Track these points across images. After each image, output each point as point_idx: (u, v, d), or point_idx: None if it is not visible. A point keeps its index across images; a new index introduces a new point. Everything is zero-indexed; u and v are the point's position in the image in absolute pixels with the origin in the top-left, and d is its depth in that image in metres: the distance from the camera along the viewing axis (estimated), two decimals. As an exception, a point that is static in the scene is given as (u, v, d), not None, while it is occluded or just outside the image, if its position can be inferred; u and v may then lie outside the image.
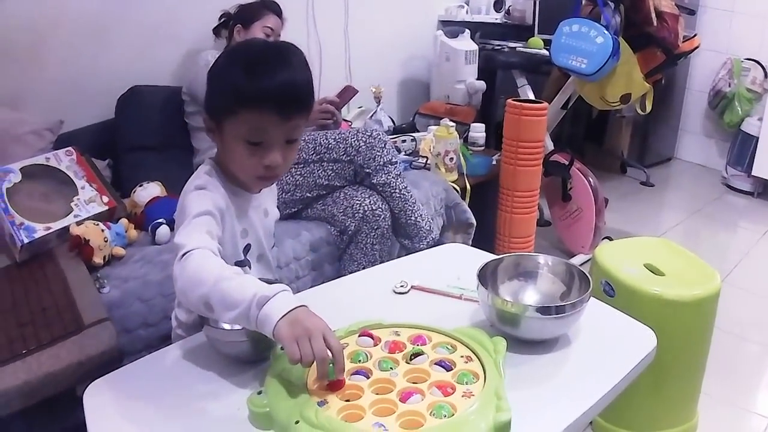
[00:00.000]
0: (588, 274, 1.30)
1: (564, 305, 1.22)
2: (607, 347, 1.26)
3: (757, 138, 4.77)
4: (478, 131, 3.27)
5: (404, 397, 1.01)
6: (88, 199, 2.19)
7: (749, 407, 2.43)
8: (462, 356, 1.12)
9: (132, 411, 1.05)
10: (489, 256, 1.40)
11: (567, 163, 3.23)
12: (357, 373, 1.07)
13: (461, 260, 1.63)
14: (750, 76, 5.10)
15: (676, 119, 5.58)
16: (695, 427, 2.25)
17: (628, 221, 4.04)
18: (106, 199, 2.22)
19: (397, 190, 2.29)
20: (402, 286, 1.45)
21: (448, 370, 1.09)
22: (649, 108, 3.24)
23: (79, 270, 1.96)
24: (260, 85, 1.19)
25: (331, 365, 1.01)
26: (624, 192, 4.73)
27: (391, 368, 1.09)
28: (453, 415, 0.98)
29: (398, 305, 1.40)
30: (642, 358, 1.23)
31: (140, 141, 2.66)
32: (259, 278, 1.12)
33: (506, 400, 1.00)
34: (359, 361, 1.11)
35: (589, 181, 3.24)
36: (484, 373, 1.08)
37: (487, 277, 1.31)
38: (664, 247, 2.34)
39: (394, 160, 2.31)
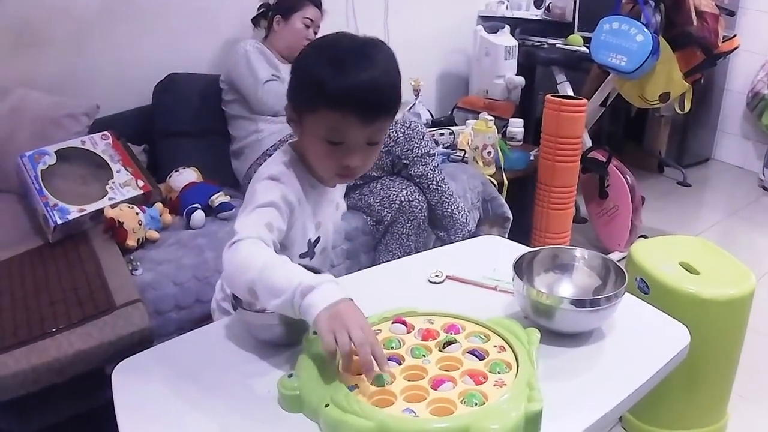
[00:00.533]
0: (624, 269, 1.27)
1: (599, 299, 1.19)
2: (640, 343, 1.22)
3: (795, 141, 4.65)
4: (516, 126, 3.22)
5: (436, 384, 0.99)
6: (124, 183, 2.19)
7: (782, 409, 2.36)
8: (495, 346, 1.10)
9: (159, 391, 1.04)
10: (525, 249, 1.37)
11: (605, 160, 3.17)
12: (389, 359, 1.05)
13: (497, 252, 1.61)
14: (789, 78, 4.96)
15: (715, 120, 5.46)
16: (725, 428, 2.19)
17: (665, 221, 3.96)
18: (141, 183, 2.22)
19: (434, 182, 2.27)
20: (437, 275, 1.42)
21: (480, 359, 1.06)
22: (687, 107, 3.16)
23: (112, 251, 1.97)
24: (343, 85, 1.13)
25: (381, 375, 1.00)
26: (661, 191, 4.63)
27: (423, 356, 1.07)
28: (484, 403, 0.96)
29: (433, 294, 1.37)
30: (675, 354, 1.19)
31: (177, 127, 2.66)
32: (305, 266, 1.09)
33: (539, 390, 0.97)
34: (392, 347, 1.09)
35: (626, 179, 3.18)
36: (517, 363, 1.05)
37: (523, 268, 1.28)
38: (701, 247, 2.28)
39: (432, 151, 2.28)
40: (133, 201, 2.11)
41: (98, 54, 2.58)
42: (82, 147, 2.18)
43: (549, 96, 2.79)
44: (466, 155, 2.76)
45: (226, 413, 1.01)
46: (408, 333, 1.13)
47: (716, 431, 2.16)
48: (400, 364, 1.05)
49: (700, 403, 2.10)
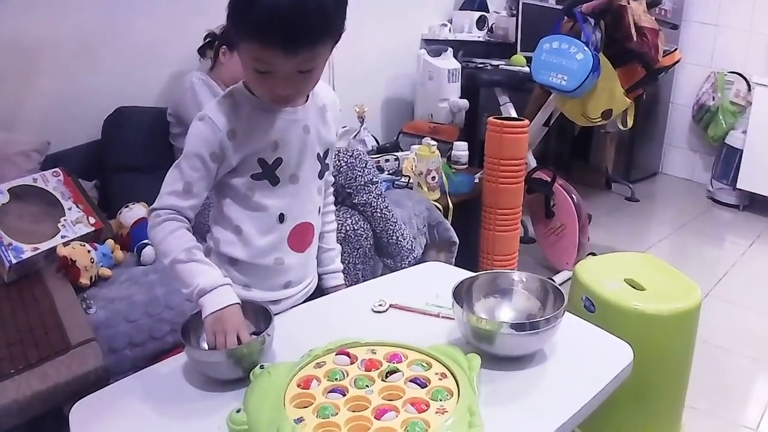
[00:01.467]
0: (561, 290, 1.34)
1: (538, 321, 1.24)
2: (583, 362, 1.28)
3: (742, 151, 4.84)
4: (461, 149, 3.32)
5: (379, 414, 1.05)
6: (75, 220, 2.23)
7: (736, 420, 2.46)
8: (437, 373, 1.16)
9: (116, 430, 1.08)
10: (466, 274, 1.43)
11: (549, 180, 3.28)
12: (333, 391, 1.10)
13: (440, 278, 1.66)
14: (733, 90, 5.18)
15: (661, 134, 5.65)
16: (679, 441, 2.28)
17: (613, 237, 4.09)
18: (92, 220, 2.26)
19: (379, 210, 2.34)
20: (380, 305, 1.48)
21: (422, 387, 1.12)
22: (630, 123, 3.29)
23: (66, 291, 2.00)
24: (260, 12, 1.11)
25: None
26: (609, 208, 4.78)
27: (366, 386, 1.12)
28: (427, 431, 1.01)
29: (376, 324, 1.43)
30: (618, 373, 1.25)
31: (126, 162, 2.69)
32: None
33: (479, 415, 1.03)
34: (336, 379, 1.14)
35: (572, 198, 3.29)
36: (458, 389, 1.11)
37: (462, 294, 1.34)
38: (646, 263, 2.38)
39: (375, 179, 2.35)
40: (84, 238, 2.15)
41: (47, 88, 2.61)
42: (34, 185, 2.22)
43: (491, 118, 2.89)
44: (411, 181, 2.84)
45: None
46: (351, 364, 1.18)
47: (670, 445, 2.24)
48: (344, 395, 1.10)
49: (653, 417, 2.17)
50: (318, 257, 1.60)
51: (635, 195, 5.01)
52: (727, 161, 5.06)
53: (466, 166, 3.32)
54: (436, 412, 1.05)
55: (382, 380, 1.14)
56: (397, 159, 3.03)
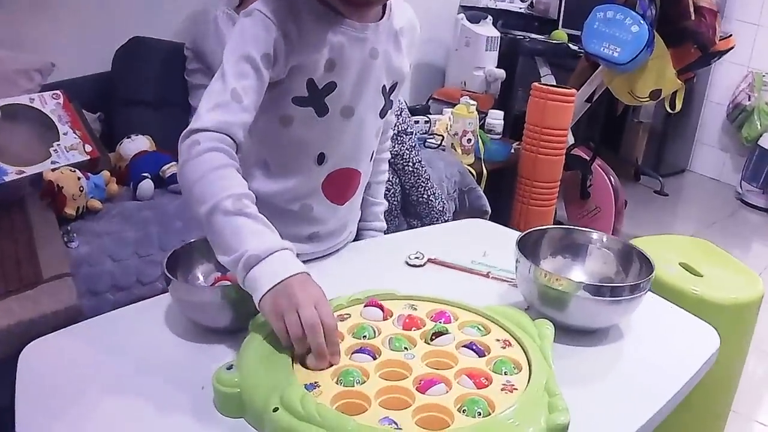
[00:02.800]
0: (648, 256, 1.03)
1: (623, 286, 0.95)
2: (665, 345, 1.00)
3: (775, 154, 4.52)
4: (496, 118, 2.99)
5: (423, 387, 0.73)
6: (70, 147, 1.99)
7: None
8: (498, 340, 0.84)
9: (69, 380, 0.81)
10: (517, 234, 1.12)
11: (588, 158, 2.95)
12: (360, 351, 0.79)
13: (487, 236, 1.35)
14: (771, 90, 4.85)
15: (693, 131, 5.32)
16: (721, 447, 1.97)
17: (641, 229, 3.76)
18: (89, 148, 2.02)
19: (411, 163, 2.01)
20: (417, 257, 1.16)
21: (480, 356, 0.80)
22: (679, 107, 2.97)
23: (47, 220, 1.74)
24: None
25: None
26: (637, 200, 4.44)
27: (405, 348, 0.81)
28: (490, 414, 0.70)
29: (412, 279, 1.12)
30: (706, 359, 0.99)
31: (136, 95, 2.41)
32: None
33: (562, 397, 0.72)
34: (364, 336, 0.83)
35: (610, 180, 2.97)
36: (529, 362, 0.79)
37: (526, 249, 1.02)
38: (701, 248, 2.08)
39: (409, 130, 2.03)
40: (78, 167, 1.92)
41: (60, 11, 2.36)
42: (30, 105, 1.98)
43: (535, 83, 2.57)
44: (444, 142, 2.51)
45: (147, 414, 0.75)
46: (385, 320, 0.87)
47: (711, 451, 1.94)
48: (374, 358, 0.79)
49: (697, 419, 1.86)
50: (361, 211, 1.29)
51: (664, 189, 4.67)
52: (759, 163, 4.74)
53: (500, 137, 2.99)
54: (502, 389, 0.74)
55: (427, 343, 0.82)
56: (428, 122, 2.70)
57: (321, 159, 1.08)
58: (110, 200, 1.96)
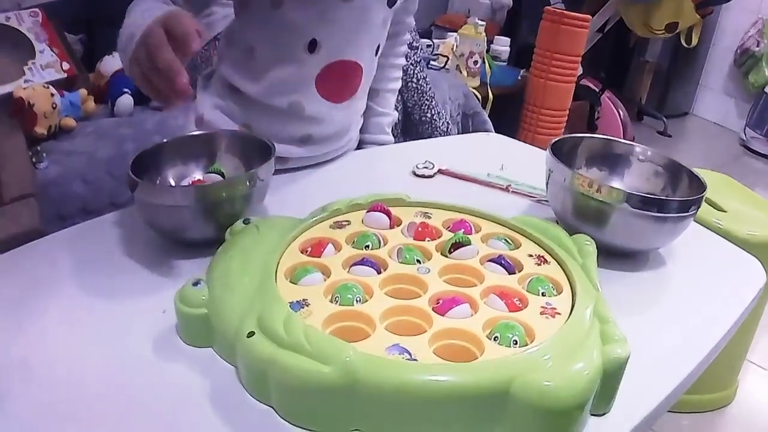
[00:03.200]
0: (699, 176, 0.85)
1: (672, 201, 0.78)
2: (709, 276, 0.84)
3: (781, 102, 4.33)
4: (502, 45, 2.77)
5: (442, 307, 0.56)
6: (46, 65, 1.86)
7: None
8: (531, 255, 0.67)
9: (21, 302, 0.65)
10: (539, 150, 0.95)
11: (598, 90, 2.75)
12: (362, 262, 0.61)
13: (502, 150, 1.18)
14: (781, 39, 4.64)
15: (698, 74, 5.11)
16: (733, 396, 1.84)
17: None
18: (66, 66, 1.89)
19: (415, 79, 1.80)
20: (426, 167, 0.98)
21: (511, 273, 0.63)
22: (695, 41, 2.78)
23: (15, 139, 1.56)
24: None
25: None
26: (640, 140, 4.22)
27: (418, 261, 0.63)
28: (527, 343, 0.53)
29: (420, 190, 0.93)
30: (755, 294, 0.82)
31: (119, 15, 2.16)
32: None
33: (617, 325, 0.55)
34: (366, 247, 0.65)
35: (619, 113, 2.78)
36: (570, 283, 0.62)
37: (559, 157, 0.85)
38: (724, 183, 1.92)
39: (415, 44, 1.82)
40: (53, 85, 1.81)
41: None
42: (5, 23, 1.85)
43: (548, 7, 2.35)
44: (449, 64, 2.31)
45: (99, 344, 0.59)
46: (392, 228, 0.69)
47: (724, 399, 1.81)
48: (379, 272, 0.61)
49: (711, 366, 1.72)
50: (364, 121, 1.10)
51: (668, 130, 4.48)
52: (764, 110, 4.56)
53: (505, 64, 2.78)
54: (542, 314, 0.56)
55: (444, 256, 0.64)
56: (430, 45, 2.48)
57: (313, 46, 0.88)
58: (86, 119, 1.80)
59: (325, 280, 0.59)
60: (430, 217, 0.72)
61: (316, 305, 0.55)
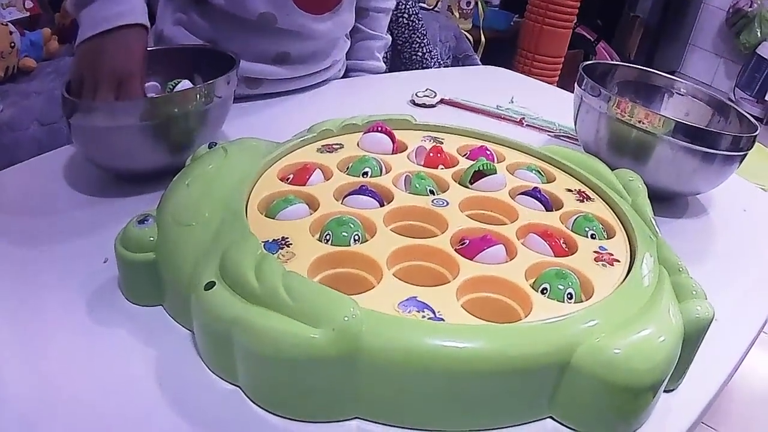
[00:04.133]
0: (747, 115, 0.72)
1: (726, 135, 0.64)
2: (754, 231, 0.70)
3: (773, 64, 4.22)
4: (495, -12, 2.59)
5: (471, 248, 0.41)
6: (8, 3, 1.70)
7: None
8: (570, 190, 0.52)
9: None
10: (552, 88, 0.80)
11: (593, 39, 2.60)
12: (359, 191, 0.46)
13: (509, 83, 1.03)
14: (774, -1, 4.52)
15: (687, 33, 4.97)
16: None
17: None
18: (29, 4, 1.73)
19: (406, 15, 1.63)
20: (426, 95, 0.83)
21: (548, 209, 0.49)
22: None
23: None
24: None
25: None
26: (629, 97, 4.14)
27: (431, 192, 0.48)
28: (583, 299, 0.39)
29: (423, 119, 0.79)
30: None
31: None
32: None
33: (689, 276, 0.41)
34: (365, 174, 0.50)
35: (615, 64, 2.62)
36: (623, 224, 0.48)
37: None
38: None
39: (406, -25, 1.65)
40: (15, 24, 1.63)
41: None
42: None
43: (545, -54, 2.18)
44: (439, 3, 2.13)
45: (20, 303, 0.44)
46: (396, 153, 0.54)
47: None
48: (381, 204, 0.46)
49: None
50: (352, 45, 0.94)
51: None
52: (754, 72, 4.46)
53: (497, 9, 2.61)
54: (596, 260, 0.42)
55: (465, 186, 0.50)
56: (419, -14, 2.30)
57: None
58: (49, 59, 1.63)
59: (311, 213, 0.44)
60: (442, 142, 0.57)
61: (301, 245, 0.40)
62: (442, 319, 0.34)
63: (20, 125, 1.36)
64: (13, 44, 1.50)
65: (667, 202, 0.68)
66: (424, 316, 0.34)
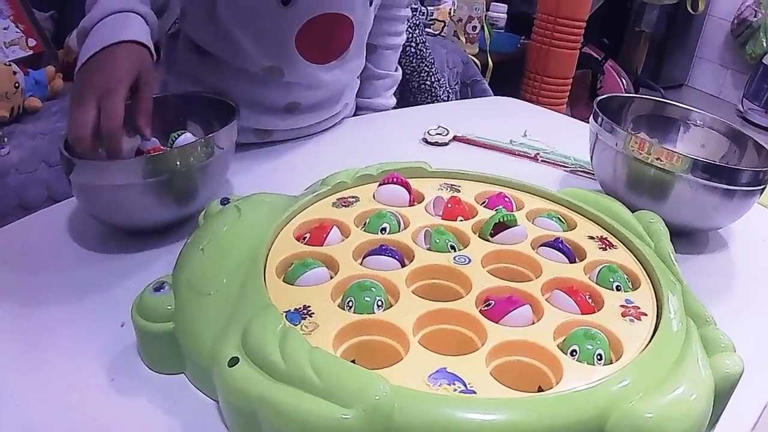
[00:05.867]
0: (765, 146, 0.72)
1: (745, 171, 0.63)
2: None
3: (780, 73, 4.22)
4: (499, 11, 2.60)
5: (496, 310, 0.41)
6: (10, 42, 1.72)
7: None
8: (592, 238, 0.52)
9: None
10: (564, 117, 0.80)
11: (600, 58, 2.60)
12: (380, 251, 0.46)
13: (522, 115, 1.03)
14: (778, 9, 4.53)
15: (693, 45, 4.99)
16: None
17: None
18: (32, 42, 1.74)
19: (413, 44, 1.64)
20: (439, 133, 0.83)
21: (572, 261, 0.48)
22: (702, 8, 2.62)
23: None
24: None
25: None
26: (638, 113, 4.14)
27: (452, 248, 0.48)
28: (612, 359, 0.38)
29: (435, 160, 0.79)
30: None
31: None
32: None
33: (717, 327, 0.41)
34: (383, 230, 0.50)
35: (622, 82, 2.63)
36: (647, 272, 0.48)
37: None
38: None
39: (414, 5, 1.65)
40: (18, 64, 1.64)
41: None
42: None
43: (549, -31, 2.19)
44: (445, 30, 2.14)
45: (35, 370, 0.44)
46: (412, 205, 0.54)
47: None
48: (403, 264, 0.46)
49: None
50: (361, 83, 0.94)
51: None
52: (762, 81, 4.46)
53: (503, 32, 2.62)
54: (624, 315, 0.42)
55: (485, 239, 0.50)
56: (424, 13, 2.31)
57: None
58: (54, 98, 1.63)
59: (331, 276, 0.44)
60: (459, 191, 0.57)
61: (323, 314, 0.40)
62: (474, 392, 0.34)
63: (27, 167, 1.37)
64: (17, 84, 1.50)
65: (686, 238, 0.68)
66: (455, 389, 0.34)
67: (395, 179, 0.54)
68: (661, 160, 0.63)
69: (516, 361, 0.38)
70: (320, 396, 0.32)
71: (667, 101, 0.82)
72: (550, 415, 0.33)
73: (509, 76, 2.28)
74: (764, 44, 4.54)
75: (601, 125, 0.68)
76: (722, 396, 0.38)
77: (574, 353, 0.38)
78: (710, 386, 0.37)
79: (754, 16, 4.59)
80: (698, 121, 0.79)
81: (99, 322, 0.47)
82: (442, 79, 1.71)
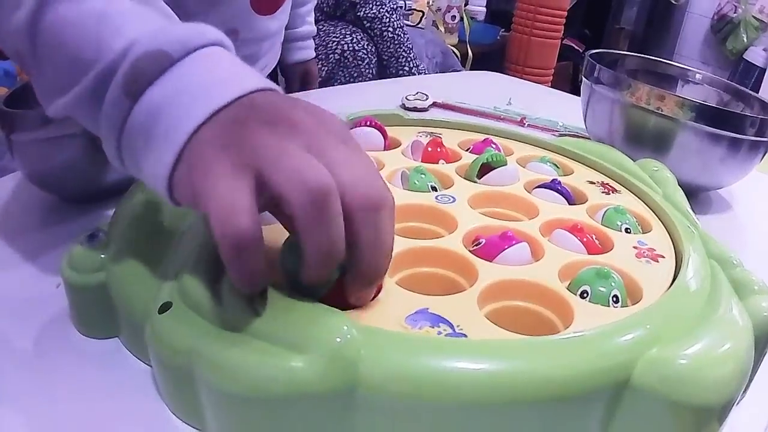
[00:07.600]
0: None
1: (752, 117, 0.57)
2: None
3: (761, 68, 4.22)
4: (478, 4, 2.55)
5: (489, 248, 0.34)
6: None
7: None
8: (593, 182, 0.45)
9: None
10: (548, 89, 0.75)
11: (581, 50, 2.56)
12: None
13: (505, 86, 0.97)
14: (758, 5, 4.53)
15: (673, 42, 4.98)
16: None
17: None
18: None
19: (391, 29, 1.58)
20: (418, 99, 0.76)
21: (571, 203, 0.42)
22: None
23: None
24: None
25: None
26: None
27: (433, 188, 0.41)
28: (628, 303, 0.31)
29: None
30: None
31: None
32: None
33: (746, 269, 0.34)
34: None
35: (604, 75, 2.58)
36: (659, 217, 0.41)
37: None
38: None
39: (393, -11, 1.60)
40: None
41: None
42: None
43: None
44: (423, 20, 2.08)
45: None
46: (389, 149, 0.47)
47: None
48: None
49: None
50: None
51: (647, 100, 4.35)
52: (743, 78, 4.45)
53: (483, 23, 2.57)
54: (638, 257, 0.35)
55: (472, 181, 0.43)
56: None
57: None
58: (23, 88, 1.56)
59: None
60: (441, 136, 0.50)
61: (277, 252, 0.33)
62: (464, 335, 0.27)
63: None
64: (-17, 74, 1.45)
65: (690, 198, 0.61)
66: (440, 332, 0.27)
67: (369, 122, 0.47)
68: (662, 108, 0.57)
69: (515, 306, 0.31)
70: (269, 342, 0.25)
71: (660, 59, 0.76)
72: (564, 362, 0.26)
73: (489, 67, 2.22)
74: (745, 39, 4.53)
75: (597, 74, 0.61)
76: (761, 342, 0.32)
77: (585, 295, 0.31)
78: (749, 332, 0.31)
79: (734, 12, 4.58)
80: (697, 77, 0.73)
81: (37, 283, 0.40)
82: (421, 65, 1.65)
